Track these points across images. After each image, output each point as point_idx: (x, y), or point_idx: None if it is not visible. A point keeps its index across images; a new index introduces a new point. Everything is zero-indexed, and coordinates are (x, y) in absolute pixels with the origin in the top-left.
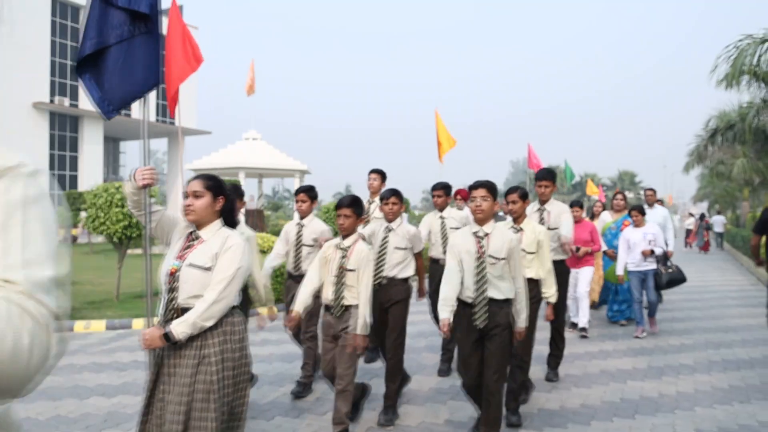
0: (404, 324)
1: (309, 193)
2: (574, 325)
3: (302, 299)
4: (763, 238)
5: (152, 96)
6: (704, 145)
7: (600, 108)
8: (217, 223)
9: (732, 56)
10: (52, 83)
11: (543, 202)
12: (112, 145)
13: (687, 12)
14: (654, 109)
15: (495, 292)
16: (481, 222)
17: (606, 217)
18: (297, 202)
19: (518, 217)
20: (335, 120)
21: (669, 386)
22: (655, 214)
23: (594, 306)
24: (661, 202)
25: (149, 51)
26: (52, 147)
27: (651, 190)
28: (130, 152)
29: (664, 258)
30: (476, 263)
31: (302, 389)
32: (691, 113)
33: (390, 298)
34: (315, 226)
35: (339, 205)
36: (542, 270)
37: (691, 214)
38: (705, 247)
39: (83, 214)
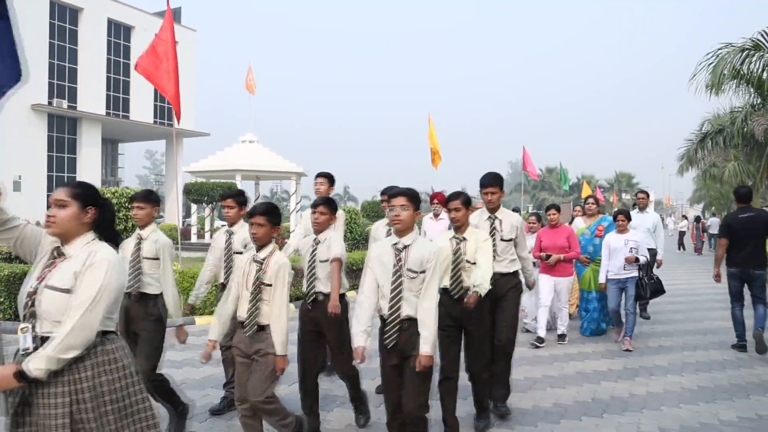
0: (342, 341)
1: (237, 198)
2: (541, 340)
3: (218, 328)
4: None
5: (150, 97)
6: (694, 149)
7: (600, 108)
8: (86, 237)
9: (712, 64)
10: (50, 85)
11: (492, 210)
12: (110, 146)
13: (687, 12)
14: (654, 110)
15: (411, 311)
16: (400, 233)
17: (579, 223)
18: (224, 208)
19: (461, 226)
20: (335, 120)
21: (640, 387)
22: (645, 219)
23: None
24: (644, 203)
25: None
26: (50, 149)
27: (643, 192)
28: (128, 154)
29: (647, 267)
30: (393, 278)
31: (222, 407)
32: (691, 114)
33: (326, 314)
34: (245, 232)
35: (251, 213)
36: (481, 270)
37: (684, 217)
38: (698, 250)
39: None
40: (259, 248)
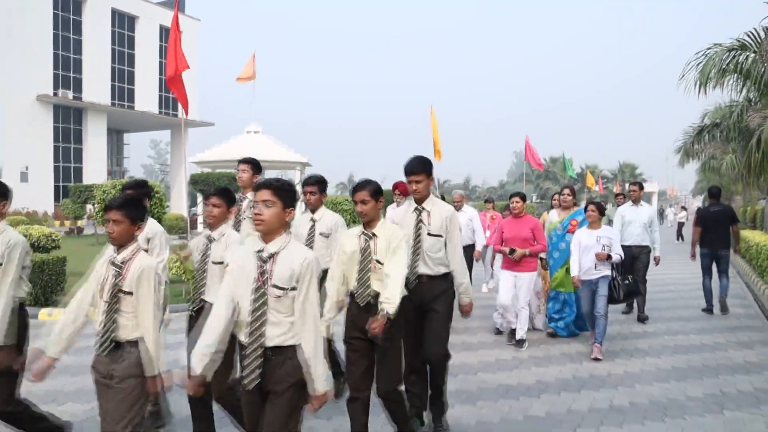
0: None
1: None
2: (519, 341)
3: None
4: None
5: (155, 88)
6: (691, 142)
7: (600, 108)
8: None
9: (701, 63)
10: (56, 76)
11: (419, 201)
12: (115, 136)
13: (687, 12)
14: (654, 109)
15: (278, 339)
16: (265, 237)
17: (553, 216)
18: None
19: (370, 221)
20: (335, 120)
21: (619, 367)
22: (640, 213)
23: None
24: (637, 195)
25: None
26: (56, 140)
27: (635, 184)
28: (133, 144)
29: (621, 267)
30: (253, 295)
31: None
32: (692, 112)
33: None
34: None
35: (107, 208)
36: (390, 283)
37: (684, 208)
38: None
39: (89, 207)
40: (118, 249)
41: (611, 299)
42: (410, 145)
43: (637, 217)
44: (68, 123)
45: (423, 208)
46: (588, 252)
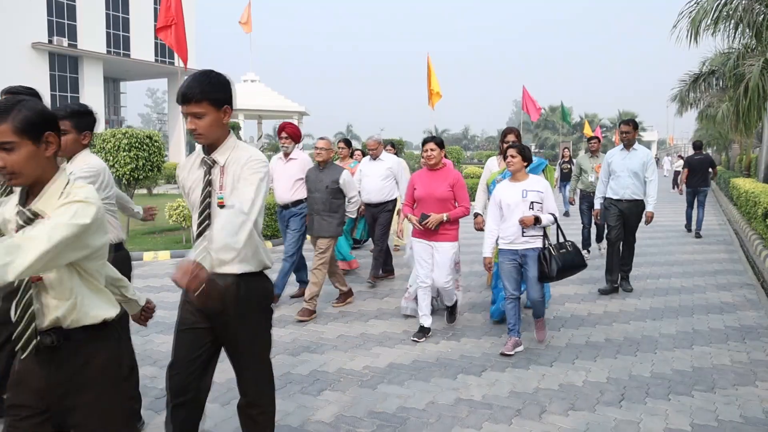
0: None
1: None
2: (425, 330)
3: None
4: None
5: (150, 35)
6: (686, 90)
7: (601, 56)
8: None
9: (693, 12)
10: (50, 23)
11: (208, 148)
12: (111, 85)
13: None
14: (655, 58)
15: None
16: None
17: (492, 166)
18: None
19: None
20: (334, 68)
21: (599, 308)
22: (631, 159)
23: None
24: (629, 138)
25: None
26: (52, 88)
27: (628, 123)
28: (129, 93)
29: (559, 231)
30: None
31: None
32: (692, 60)
33: None
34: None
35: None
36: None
37: (680, 157)
38: None
39: None
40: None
41: (541, 276)
42: (407, 94)
43: (627, 164)
44: (64, 71)
45: (214, 161)
46: (511, 213)
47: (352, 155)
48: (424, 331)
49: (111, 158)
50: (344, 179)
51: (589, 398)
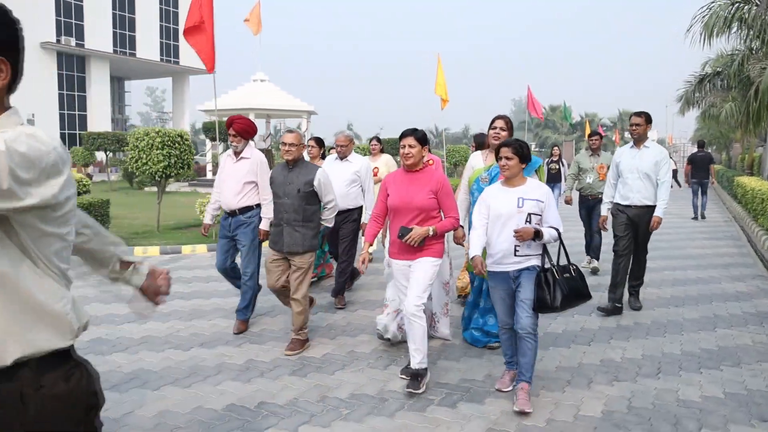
0: None
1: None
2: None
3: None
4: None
5: (155, 35)
6: (692, 90)
7: (601, 56)
8: None
9: (705, 16)
10: (58, 22)
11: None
12: (117, 84)
13: None
14: (655, 59)
15: None
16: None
17: (477, 161)
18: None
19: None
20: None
21: (603, 299)
22: (642, 159)
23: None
24: (640, 131)
25: None
26: (60, 87)
27: (640, 115)
28: (134, 91)
29: (562, 249)
30: None
31: None
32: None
33: None
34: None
35: None
36: None
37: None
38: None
39: (98, 154)
40: None
41: (542, 304)
42: (407, 94)
43: (638, 164)
44: (72, 70)
45: None
46: (502, 226)
47: (323, 156)
48: (418, 377)
49: (144, 156)
50: (320, 180)
51: (629, 371)
